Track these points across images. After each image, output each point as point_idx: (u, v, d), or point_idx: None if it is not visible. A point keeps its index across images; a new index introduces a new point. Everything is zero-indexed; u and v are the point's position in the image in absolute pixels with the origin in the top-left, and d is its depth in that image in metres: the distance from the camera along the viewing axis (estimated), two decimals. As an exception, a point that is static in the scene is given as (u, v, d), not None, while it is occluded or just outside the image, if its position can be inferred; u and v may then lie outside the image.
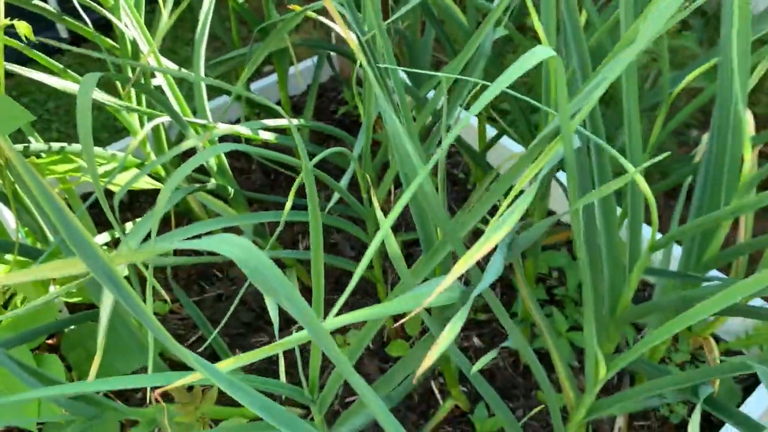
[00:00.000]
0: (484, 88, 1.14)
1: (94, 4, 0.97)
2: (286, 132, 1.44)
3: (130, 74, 1.04)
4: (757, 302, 1.10)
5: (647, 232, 1.26)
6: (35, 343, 0.96)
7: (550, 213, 1.45)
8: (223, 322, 0.92)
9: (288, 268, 1.26)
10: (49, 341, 1.16)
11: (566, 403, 0.82)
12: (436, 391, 1.14)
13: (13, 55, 0.94)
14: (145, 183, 1.07)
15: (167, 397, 1.02)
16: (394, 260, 0.56)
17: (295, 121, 0.98)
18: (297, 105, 1.72)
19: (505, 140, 1.44)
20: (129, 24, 0.97)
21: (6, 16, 0.79)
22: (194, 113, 1.03)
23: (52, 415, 0.78)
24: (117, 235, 1.12)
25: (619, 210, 1.09)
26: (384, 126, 0.86)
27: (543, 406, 1.06)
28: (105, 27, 1.15)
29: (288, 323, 1.24)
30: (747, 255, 0.94)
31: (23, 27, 0.69)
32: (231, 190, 1.07)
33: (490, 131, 1.34)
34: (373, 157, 1.08)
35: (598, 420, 1.08)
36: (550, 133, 0.53)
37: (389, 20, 0.77)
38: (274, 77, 1.67)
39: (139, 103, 1.05)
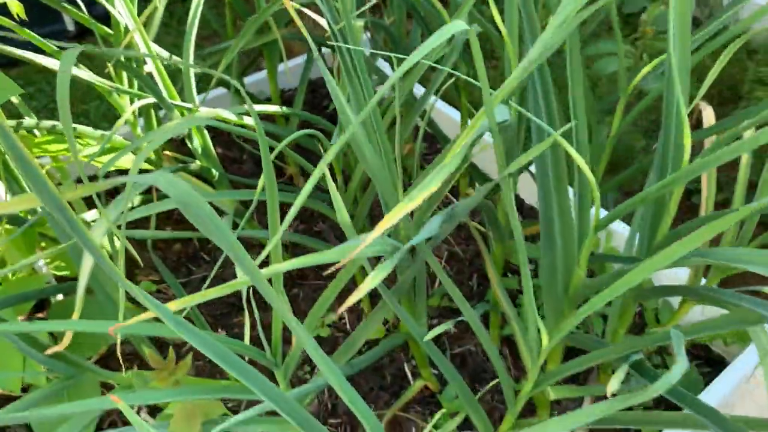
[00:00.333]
0: (456, 79, 1.19)
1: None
2: (274, 122, 1.49)
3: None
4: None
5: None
6: (24, 309, 1.01)
7: (520, 201, 1.50)
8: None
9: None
10: (39, 314, 1.21)
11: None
12: (409, 373, 1.18)
13: (22, 47, 1.00)
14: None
15: (144, 364, 1.06)
16: (344, 226, 0.60)
17: (275, 108, 1.03)
18: (288, 99, 1.77)
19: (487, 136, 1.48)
20: (122, 12, 1.02)
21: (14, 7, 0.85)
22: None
23: (35, 371, 0.83)
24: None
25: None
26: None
27: (497, 380, 1.10)
28: (106, 19, 1.21)
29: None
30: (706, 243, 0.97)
31: (15, 6, 0.74)
32: (216, 173, 1.12)
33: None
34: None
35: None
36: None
37: (362, 9, 0.82)
38: (265, 72, 1.73)
39: (131, 87, 1.10)
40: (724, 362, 1.20)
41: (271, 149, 1.54)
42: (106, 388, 1.06)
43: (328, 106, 1.74)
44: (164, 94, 1.02)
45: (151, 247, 1.21)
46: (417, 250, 0.64)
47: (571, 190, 0.79)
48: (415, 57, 0.42)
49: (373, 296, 1.28)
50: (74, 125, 1.06)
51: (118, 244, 1.05)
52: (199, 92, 1.44)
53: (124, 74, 1.10)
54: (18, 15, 0.81)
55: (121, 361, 0.85)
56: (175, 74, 1.20)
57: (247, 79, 1.69)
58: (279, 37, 1.22)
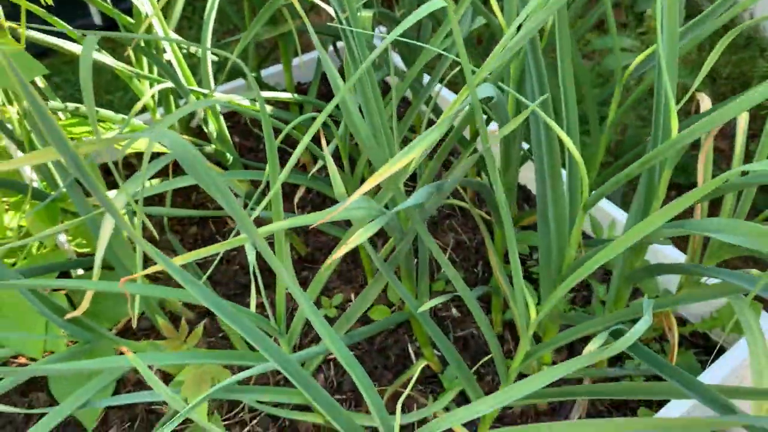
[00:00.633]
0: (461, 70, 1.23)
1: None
2: (288, 110, 1.54)
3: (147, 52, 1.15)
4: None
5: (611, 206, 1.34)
6: (48, 279, 1.07)
7: (527, 192, 1.53)
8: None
9: (286, 236, 1.35)
10: (61, 291, 1.27)
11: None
12: (412, 354, 1.22)
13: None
14: (154, 148, 1.18)
15: (158, 335, 1.12)
16: (339, 197, 0.64)
17: (287, 95, 1.07)
18: (303, 91, 1.81)
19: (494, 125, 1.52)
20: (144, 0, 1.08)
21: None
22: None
23: (55, 335, 0.88)
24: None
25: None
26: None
27: (491, 355, 1.14)
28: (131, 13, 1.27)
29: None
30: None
31: (43, -8, 0.80)
32: (230, 157, 1.17)
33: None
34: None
35: (561, 401, 1.15)
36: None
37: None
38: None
39: (150, 73, 1.15)
40: (723, 351, 1.23)
41: (288, 143, 1.59)
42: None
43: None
44: (182, 80, 1.08)
45: (169, 229, 1.26)
46: (411, 221, 0.68)
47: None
48: (402, 28, 0.46)
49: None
50: (97, 109, 1.11)
51: (134, 224, 1.10)
52: (217, 84, 1.50)
53: (145, 62, 1.16)
54: (46, 3, 0.86)
55: (136, 336, 0.90)
56: (194, 66, 1.26)
57: (264, 72, 1.75)
58: (293, 28, 1.26)
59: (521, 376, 1.00)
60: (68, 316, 0.82)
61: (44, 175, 0.98)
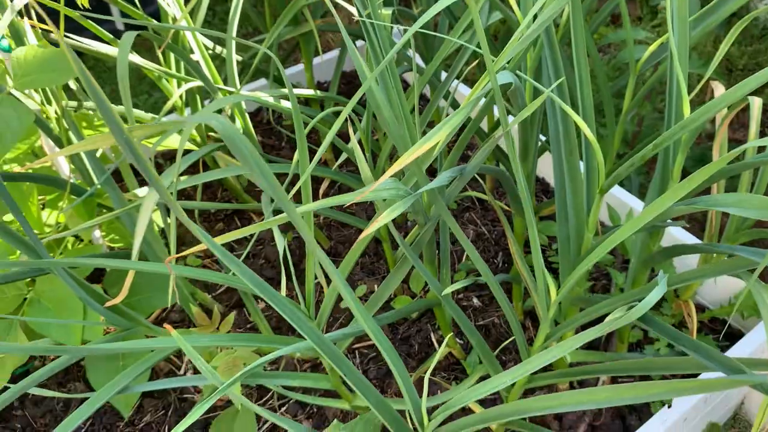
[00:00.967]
0: (479, 62, 1.26)
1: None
2: (309, 106, 1.58)
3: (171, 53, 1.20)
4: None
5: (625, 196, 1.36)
6: (82, 275, 1.11)
7: (545, 183, 1.56)
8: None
9: (307, 230, 1.39)
10: (96, 285, 1.32)
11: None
12: (435, 342, 1.25)
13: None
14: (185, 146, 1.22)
15: (190, 323, 1.16)
16: (366, 181, 0.68)
17: (309, 91, 1.11)
18: (324, 90, 1.85)
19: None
20: (171, 1, 1.12)
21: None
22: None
23: (95, 321, 0.92)
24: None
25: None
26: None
27: (512, 338, 1.17)
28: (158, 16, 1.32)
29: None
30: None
31: (80, -5, 0.84)
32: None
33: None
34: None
35: (582, 382, 1.18)
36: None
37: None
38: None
39: (178, 71, 1.20)
40: (741, 336, 1.24)
41: (314, 130, 1.64)
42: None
43: (364, 96, 1.83)
44: (210, 79, 1.12)
45: (200, 223, 1.30)
46: (434, 206, 0.71)
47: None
48: (424, 18, 0.49)
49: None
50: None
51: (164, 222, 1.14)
52: (241, 84, 1.54)
53: (173, 62, 1.20)
54: (83, 5, 0.90)
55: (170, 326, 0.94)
56: (218, 67, 1.30)
57: (288, 71, 1.79)
58: (314, 27, 1.30)
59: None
60: (109, 303, 0.86)
61: (81, 172, 1.02)
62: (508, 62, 0.77)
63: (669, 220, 0.85)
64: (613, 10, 1.12)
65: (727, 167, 0.76)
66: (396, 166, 0.52)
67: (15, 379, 1.10)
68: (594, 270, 1.37)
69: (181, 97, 1.24)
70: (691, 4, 0.89)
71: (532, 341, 1.26)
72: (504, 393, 1.00)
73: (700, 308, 1.29)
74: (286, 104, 1.13)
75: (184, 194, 1.49)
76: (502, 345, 1.13)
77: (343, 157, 1.13)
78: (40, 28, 0.99)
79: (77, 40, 1.05)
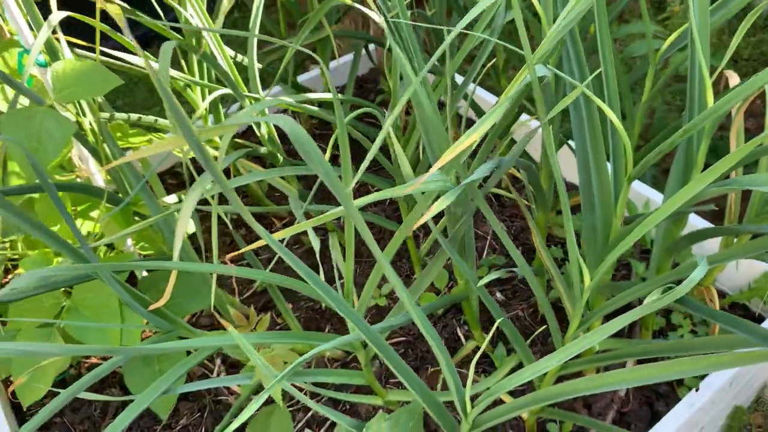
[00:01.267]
0: (494, 65, 1.29)
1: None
2: (326, 109, 1.61)
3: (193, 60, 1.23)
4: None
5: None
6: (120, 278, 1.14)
7: (565, 182, 1.58)
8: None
9: (330, 232, 1.42)
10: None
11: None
12: (462, 337, 1.28)
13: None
14: (212, 151, 1.25)
15: (219, 327, 1.18)
16: (406, 176, 0.70)
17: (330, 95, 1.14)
18: (339, 93, 1.89)
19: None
20: (194, 14, 1.15)
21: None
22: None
23: (135, 324, 0.95)
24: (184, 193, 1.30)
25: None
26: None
27: (546, 326, 1.19)
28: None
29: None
30: (739, 192, 1.04)
31: (114, 8, 0.87)
32: (280, 157, 1.23)
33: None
34: (404, 131, 1.24)
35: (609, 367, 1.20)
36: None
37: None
38: (316, 71, 1.85)
39: (201, 79, 1.23)
40: (762, 320, 1.27)
41: (327, 132, 1.66)
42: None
43: (375, 99, 1.85)
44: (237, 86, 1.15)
45: (233, 227, 1.34)
46: (471, 198, 0.73)
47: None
48: (470, 16, 0.52)
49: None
50: (156, 118, 1.19)
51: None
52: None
53: (196, 72, 1.23)
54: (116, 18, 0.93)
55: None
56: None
57: (301, 78, 1.82)
58: (330, 33, 1.33)
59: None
60: (152, 306, 0.89)
61: (116, 181, 1.05)
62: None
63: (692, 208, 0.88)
64: (623, 8, 1.15)
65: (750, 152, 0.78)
66: (444, 159, 0.54)
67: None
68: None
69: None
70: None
71: (549, 337, 1.29)
72: (536, 381, 1.03)
73: (720, 294, 1.32)
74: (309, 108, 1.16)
75: (206, 202, 1.52)
76: (534, 334, 1.15)
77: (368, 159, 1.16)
78: (69, 42, 1.02)
79: (107, 53, 1.08)
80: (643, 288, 0.81)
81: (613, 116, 0.70)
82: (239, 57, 1.27)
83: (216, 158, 1.36)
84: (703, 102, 0.83)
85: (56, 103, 0.90)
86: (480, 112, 1.38)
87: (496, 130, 0.85)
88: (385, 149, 1.18)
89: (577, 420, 1.01)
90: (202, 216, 1.29)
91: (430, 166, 1.09)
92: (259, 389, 1.22)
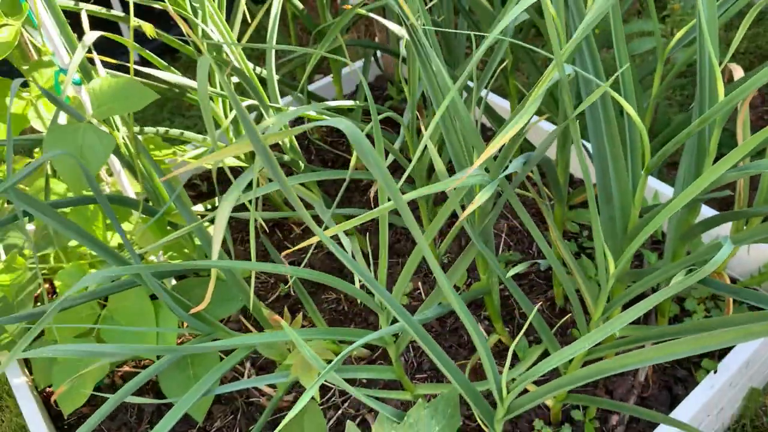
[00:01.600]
0: (504, 69, 1.33)
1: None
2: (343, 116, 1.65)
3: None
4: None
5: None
6: (149, 291, 1.18)
7: (572, 178, 1.63)
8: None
9: (350, 236, 1.46)
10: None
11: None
12: (483, 331, 1.31)
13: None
14: (231, 162, 1.29)
15: (259, 326, 1.22)
16: (440, 174, 0.75)
17: (349, 102, 1.18)
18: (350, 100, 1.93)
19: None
20: (214, 29, 1.19)
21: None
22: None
23: (171, 327, 0.98)
24: (213, 204, 1.35)
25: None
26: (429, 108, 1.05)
27: (569, 314, 1.24)
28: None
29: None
30: (748, 178, 1.08)
31: (148, 28, 0.91)
32: (302, 164, 1.28)
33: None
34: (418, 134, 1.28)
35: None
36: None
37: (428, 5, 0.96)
38: (327, 80, 1.90)
39: (222, 89, 1.27)
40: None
41: (337, 139, 1.72)
42: (225, 353, 1.21)
43: (383, 105, 1.90)
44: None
45: (262, 232, 1.38)
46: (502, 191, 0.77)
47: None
48: (506, 21, 0.56)
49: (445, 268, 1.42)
50: (181, 130, 1.23)
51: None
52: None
53: (218, 84, 1.27)
54: (151, 37, 0.98)
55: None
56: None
57: (310, 87, 1.86)
58: (343, 43, 1.37)
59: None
60: (193, 310, 0.92)
61: (148, 191, 1.09)
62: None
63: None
64: (629, 7, 1.20)
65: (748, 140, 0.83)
66: (483, 157, 0.58)
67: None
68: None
69: (226, 117, 1.31)
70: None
71: (575, 323, 1.33)
72: (562, 369, 1.06)
73: (731, 280, 1.36)
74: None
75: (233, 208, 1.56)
76: (560, 323, 1.20)
77: (389, 160, 1.20)
78: (102, 60, 1.06)
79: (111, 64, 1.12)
80: (662, 274, 0.85)
81: (632, 111, 0.75)
82: (259, 69, 1.31)
83: (240, 168, 1.40)
84: (714, 94, 0.87)
85: (93, 119, 0.94)
86: (492, 114, 1.42)
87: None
88: (401, 152, 1.22)
89: (602, 404, 1.05)
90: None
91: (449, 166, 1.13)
92: (291, 389, 1.26)
